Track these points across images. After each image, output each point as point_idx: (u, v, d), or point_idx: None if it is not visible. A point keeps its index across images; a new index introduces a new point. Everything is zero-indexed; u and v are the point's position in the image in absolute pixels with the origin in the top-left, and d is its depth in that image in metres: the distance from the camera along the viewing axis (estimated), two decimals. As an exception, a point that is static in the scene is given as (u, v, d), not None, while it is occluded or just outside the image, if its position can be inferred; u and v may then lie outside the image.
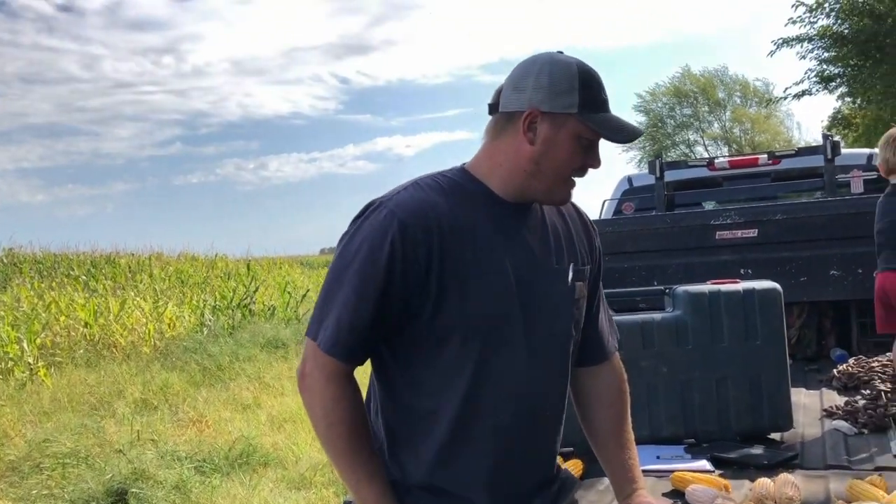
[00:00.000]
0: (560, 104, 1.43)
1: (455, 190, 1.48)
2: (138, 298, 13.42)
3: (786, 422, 2.86)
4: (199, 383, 9.01)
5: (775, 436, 2.90)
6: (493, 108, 1.51)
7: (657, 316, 2.92)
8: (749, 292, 2.87)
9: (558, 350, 1.55)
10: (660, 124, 40.88)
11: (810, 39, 16.90)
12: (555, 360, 1.54)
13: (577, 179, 1.51)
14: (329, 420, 1.43)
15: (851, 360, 3.79)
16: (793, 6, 16.82)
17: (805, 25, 16.88)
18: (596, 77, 1.47)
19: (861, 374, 3.51)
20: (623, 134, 1.46)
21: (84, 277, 16.86)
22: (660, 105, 41.19)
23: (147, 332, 11.18)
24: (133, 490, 5.17)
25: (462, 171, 1.52)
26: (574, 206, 1.64)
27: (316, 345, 1.43)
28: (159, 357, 10.44)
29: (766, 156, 5.26)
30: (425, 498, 1.48)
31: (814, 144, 5.42)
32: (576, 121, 1.44)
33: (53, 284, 15.46)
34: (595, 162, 1.49)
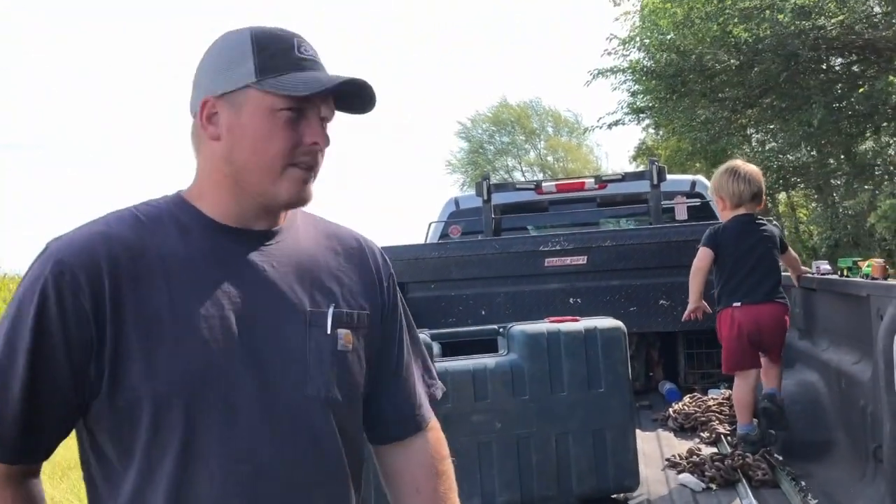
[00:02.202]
0: (233, 78, 1.14)
1: (154, 220, 1.15)
2: None
3: (633, 481, 2.60)
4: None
5: (619, 496, 2.63)
6: None
7: (490, 361, 2.57)
8: (591, 332, 2.59)
9: (315, 419, 1.16)
10: (480, 150, 42.56)
11: (623, 71, 17.82)
12: (311, 432, 1.15)
13: (315, 168, 1.17)
14: None
15: (686, 398, 3.65)
16: (607, 39, 17.67)
17: (618, 58, 17.79)
18: (280, 35, 1.17)
19: (698, 415, 3.36)
20: (314, 84, 1.13)
21: None
22: (480, 132, 42.84)
23: None
24: None
25: (174, 198, 1.19)
26: (359, 238, 1.33)
27: None
28: None
29: (592, 180, 5.16)
30: None
31: (640, 170, 5.40)
32: (256, 91, 1.13)
33: None
34: (313, 135, 1.15)
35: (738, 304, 3.19)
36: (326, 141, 1.17)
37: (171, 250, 1.13)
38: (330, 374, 1.17)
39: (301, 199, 1.17)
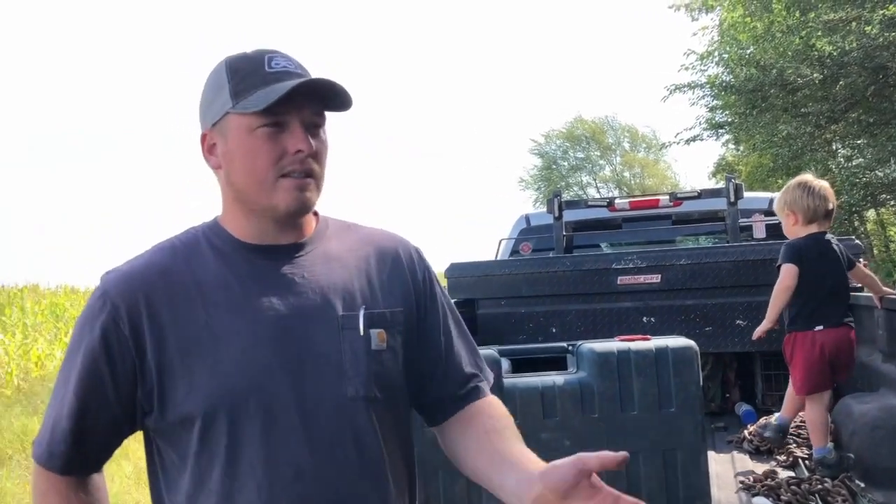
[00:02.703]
0: (216, 109, 1.21)
1: (191, 246, 1.24)
2: (4, 335, 12.35)
3: (704, 503, 2.55)
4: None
5: None
6: None
7: (559, 379, 2.57)
8: (662, 351, 2.56)
9: (355, 419, 1.20)
10: (554, 166, 42.26)
11: (700, 87, 17.50)
12: (351, 433, 1.20)
13: (312, 174, 1.20)
14: None
15: (762, 420, 3.56)
16: (685, 54, 17.41)
17: (696, 73, 17.50)
18: (251, 57, 1.21)
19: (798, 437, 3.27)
20: (272, 95, 1.14)
21: (-58, 310, 15.53)
22: (553, 148, 42.55)
23: (10, 371, 10.23)
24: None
25: (211, 222, 1.28)
26: (392, 238, 1.37)
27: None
28: (22, 399, 9.53)
29: (667, 197, 5.09)
30: None
31: (716, 187, 5.30)
32: (233, 115, 1.18)
33: None
34: (296, 143, 1.17)
35: (821, 327, 3.13)
36: (310, 146, 1.18)
37: (206, 273, 1.20)
38: (367, 373, 1.21)
39: (300, 206, 1.20)
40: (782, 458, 3.10)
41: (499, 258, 5.28)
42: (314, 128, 1.21)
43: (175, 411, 1.16)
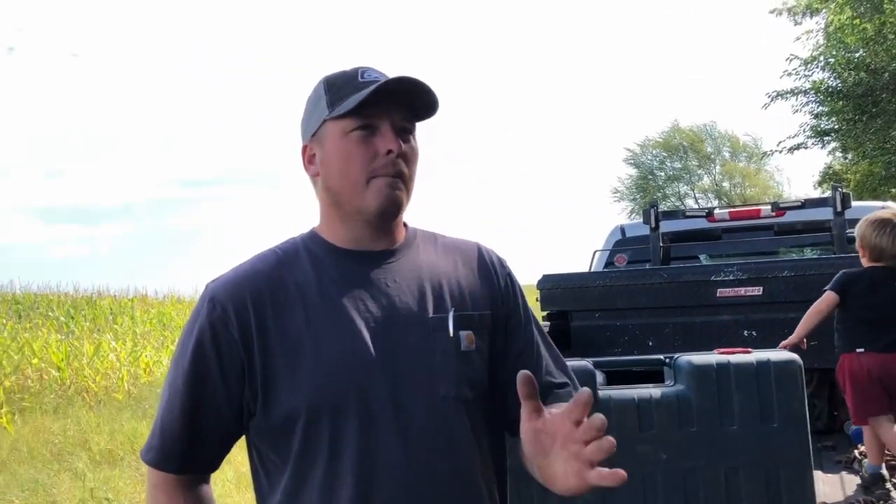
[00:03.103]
0: (315, 120, 1.30)
1: (291, 254, 1.30)
2: (116, 342, 12.99)
3: None
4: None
5: None
6: None
7: (656, 391, 2.52)
8: (764, 365, 2.48)
9: (447, 419, 1.25)
10: (650, 177, 41.45)
11: (805, 93, 16.88)
12: (444, 431, 1.24)
13: (401, 176, 1.26)
14: None
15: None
16: (787, 59, 16.84)
17: (799, 79, 16.88)
18: (346, 71, 1.30)
19: (888, 458, 3.13)
20: (363, 94, 1.21)
21: (63, 319, 16.45)
22: (650, 157, 41.72)
23: (121, 377, 10.75)
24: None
25: (309, 232, 1.35)
26: (475, 245, 1.41)
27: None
28: (132, 404, 10.01)
29: (769, 207, 4.94)
30: None
31: (821, 197, 5.10)
32: (329, 122, 1.27)
33: (29, 326, 15.03)
34: (386, 144, 1.24)
35: (862, 350, 3.17)
36: (400, 147, 1.24)
37: (306, 279, 1.26)
38: (457, 373, 1.26)
39: (390, 204, 1.26)
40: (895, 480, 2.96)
41: (593, 270, 5.23)
42: (404, 133, 1.27)
43: (279, 411, 1.21)
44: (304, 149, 1.32)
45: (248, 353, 1.22)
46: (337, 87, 1.27)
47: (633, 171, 41.55)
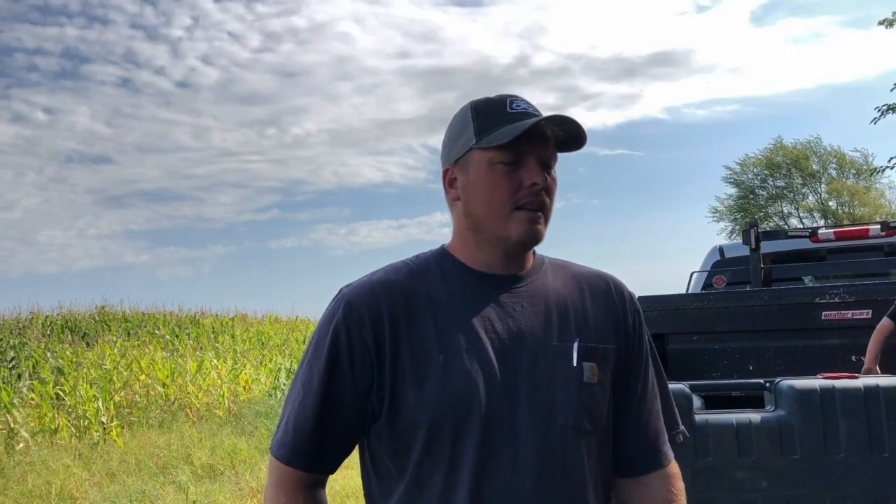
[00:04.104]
0: (460, 146, 1.31)
1: (423, 269, 1.32)
2: (217, 360, 13.44)
3: None
4: (267, 450, 8.75)
5: None
6: None
7: (756, 416, 2.44)
8: (872, 390, 2.37)
9: (563, 447, 1.25)
10: (751, 196, 40.12)
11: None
12: (559, 459, 1.24)
13: (542, 208, 1.28)
14: None
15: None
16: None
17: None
18: (494, 100, 1.32)
19: None
20: (517, 130, 1.23)
21: (168, 337, 17.13)
22: (750, 176, 40.42)
23: (222, 394, 11.11)
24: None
25: (439, 250, 1.37)
26: (605, 277, 1.41)
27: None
28: (232, 420, 10.33)
29: (878, 227, 4.72)
30: None
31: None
32: (477, 151, 1.28)
33: (137, 343, 15.71)
34: (532, 177, 1.26)
35: None
36: (545, 180, 1.27)
37: (437, 293, 1.29)
38: (577, 404, 1.26)
39: (531, 238, 1.29)
40: None
41: (690, 291, 5.11)
42: (546, 166, 1.29)
43: (403, 420, 1.23)
44: (446, 172, 1.34)
45: (380, 360, 1.24)
46: (485, 116, 1.29)
47: (733, 191, 40.35)
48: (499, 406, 1.22)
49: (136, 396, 10.78)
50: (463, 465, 1.21)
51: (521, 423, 1.23)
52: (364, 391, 1.26)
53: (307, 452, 1.28)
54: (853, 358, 3.76)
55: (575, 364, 1.27)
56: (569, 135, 1.29)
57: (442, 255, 1.36)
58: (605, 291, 1.38)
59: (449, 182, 1.34)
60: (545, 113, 1.30)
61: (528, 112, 1.29)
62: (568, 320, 1.31)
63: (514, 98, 1.31)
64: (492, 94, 1.34)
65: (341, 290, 1.32)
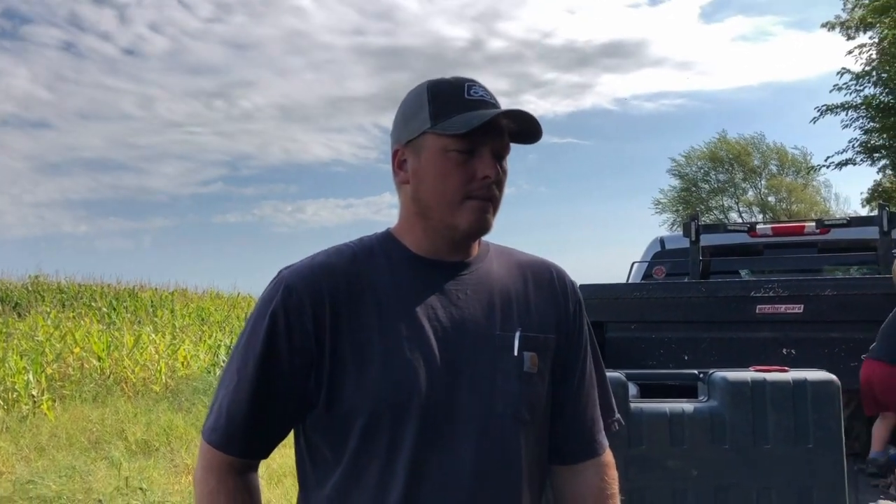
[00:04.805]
0: (413, 127, 1.28)
1: (367, 253, 1.29)
2: (155, 334, 13.21)
3: None
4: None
5: None
6: None
7: (689, 406, 2.49)
8: (800, 384, 2.44)
9: (502, 436, 1.25)
10: (694, 188, 40.89)
11: (855, 108, 16.58)
12: (498, 448, 1.24)
13: (492, 199, 1.27)
14: None
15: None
16: (838, 73, 16.56)
17: (850, 93, 16.59)
18: (452, 82, 1.28)
19: None
20: (474, 121, 1.21)
21: (105, 309, 16.77)
22: (694, 169, 41.15)
23: (159, 369, 10.93)
24: (107, 547, 4.79)
25: (385, 233, 1.35)
26: (548, 266, 1.41)
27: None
28: (168, 396, 10.17)
29: (813, 224, 4.85)
30: None
31: (867, 215, 5.01)
32: (430, 135, 1.26)
33: (72, 315, 15.34)
34: (484, 169, 1.25)
35: (864, 356, 3.72)
36: (498, 174, 1.26)
37: (381, 280, 1.27)
38: (517, 393, 1.26)
39: (480, 228, 1.27)
40: (934, 507, 2.88)
41: (630, 281, 5.19)
42: (500, 157, 1.28)
43: (341, 407, 1.21)
44: (396, 152, 1.31)
45: (319, 346, 1.22)
46: (442, 101, 1.26)
47: (677, 183, 41.05)
48: (439, 395, 1.21)
49: (70, 370, 10.54)
50: (401, 454, 1.20)
51: (461, 412, 1.22)
52: (301, 378, 1.23)
53: (239, 439, 1.25)
54: (784, 351, 3.87)
55: (516, 354, 1.27)
56: (523, 128, 1.28)
57: (387, 239, 1.33)
58: (549, 280, 1.38)
59: (398, 163, 1.31)
60: (501, 100, 1.29)
61: (486, 100, 1.27)
62: (511, 310, 1.31)
63: (472, 83, 1.28)
64: (446, 76, 1.31)
65: (280, 272, 1.29)
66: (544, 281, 1.38)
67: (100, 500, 5.65)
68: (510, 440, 1.25)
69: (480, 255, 1.35)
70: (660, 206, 41.13)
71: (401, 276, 1.28)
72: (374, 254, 1.30)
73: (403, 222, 1.33)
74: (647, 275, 5.25)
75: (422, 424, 1.20)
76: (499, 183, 1.28)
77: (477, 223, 1.26)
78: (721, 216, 39.15)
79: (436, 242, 1.30)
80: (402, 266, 1.29)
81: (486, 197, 1.26)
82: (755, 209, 40.63)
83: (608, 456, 1.41)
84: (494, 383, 1.25)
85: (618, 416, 1.47)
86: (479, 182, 1.25)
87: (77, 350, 11.21)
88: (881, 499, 3.19)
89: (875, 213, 4.55)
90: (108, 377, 10.51)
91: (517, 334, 1.28)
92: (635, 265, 5.39)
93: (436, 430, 1.21)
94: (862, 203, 26.01)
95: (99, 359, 10.94)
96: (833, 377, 2.50)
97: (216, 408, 1.27)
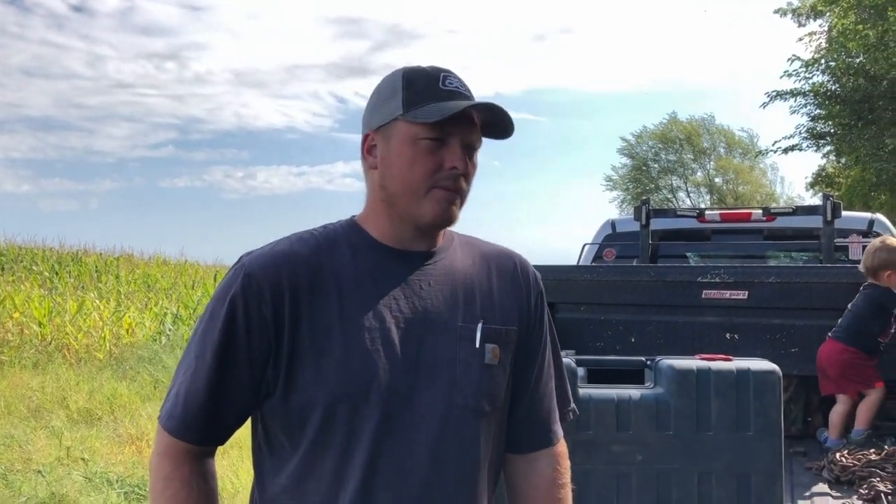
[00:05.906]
0: (385, 113, 1.28)
1: (329, 241, 1.29)
2: (99, 301, 12.94)
3: None
4: (149, 396, 8.52)
5: None
6: None
7: (635, 392, 2.55)
8: (743, 373, 2.51)
9: (462, 428, 1.26)
10: (644, 168, 41.40)
11: (804, 94, 16.90)
12: (456, 440, 1.25)
13: (459, 191, 1.27)
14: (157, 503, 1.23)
15: (846, 450, 3.45)
16: (788, 60, 16.84)
17: (800, 80, 16.90)
18: (427, 71, 1.28)
19: (856, 469, 3.16)
20: (446, 111, 1.22)
21: (47, 274, 16.36)
22: (645, 149, 41.65)
23: (103, 336, 10.72)
24: (47, 518, 4.72)
25: (347, 221, 1.34)
26: (512, 257, 1.42)
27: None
28: (112, 364, 9.99)
29: (760, 212, 4.95)
30: None
31: (812, 205, 5.13)
32: (402, 122, 1.25)
33: (11, 278, 14.94)
34: (453, 160, 1.25)
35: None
36: (466, 166, 1.26)
37: (343, 269, 1.26)
38: (478, 385, 1.27)
39: (445, 219, 1.27)
40: (864, 490, 2.99)
41: (581, 263, 5.24)
42: (470, 149, 1.27)
43: (299, 396, 1.21)
44: (366, 137, 1.30)
45: (278, 335, 1.21)
46: (416, 89, 1.26)
47: (628, 161, 41.52)
48: (399, 386, 1.22)
49: (9, 335, 10.27)
50: (359, 443, 1.20)
51: (421, 403, 1.23)
52: (260, 366, 1.23)
53: (197, 426, 1.25)
54: (728, 336, 3.96)
55: (478, 346, 1.28)
56: (495, 121, 1.28)
57: (351, 227, 1.32)
58: (512, 272, 1.39)
59: (368, 148, 1.30)
60: (474, 94, 1.29)
61: (460, 91, 1.27)
62: (473, 301, 1.31)
63: (447, 74, 1.28)
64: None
65: (241, 258, 1.28)
66: (507, 272, 1.38)
67: (39, 471, 5.55)
68: (469, 432, 1.26)
69: (445, 245, 1.35)
70: (611, 183, 41.60)
71: (363, 265, 1.27)
72: (338, 243, 1.29)
73: (369, 209, 1.33)
74: (597, 257, 5.31)
75: (380, 415, 1.20)
76: (466, 176, 1.28)
77: (442, 214, 1.26)
78: (670, 196, 39.78)
79: (400, 231, 1.29)
80: (365, 255, 1.28)
81: (453, 188, 1.26)
82: (703, 190, 41.37)
83: (562, 446, 1.43)
84: (455, 375, 1.26)
85: (573, 405, 1.49)
86: (447, 172, 1.24)
87: (17, 315, 10.92)
88: (814, 480, 3.30)
89: (819, 201, 4.66)
90: (50, 343, 10.28)
91: (479, 326, 1.29)
92: (586, 247, 5.44)
93: (395, 420, 1.21)
94: (806, 187, 26.72)
95: (40, 324, 10.68)
96: (775, 367, 2.57)
97: (174, 394, 1.27)
